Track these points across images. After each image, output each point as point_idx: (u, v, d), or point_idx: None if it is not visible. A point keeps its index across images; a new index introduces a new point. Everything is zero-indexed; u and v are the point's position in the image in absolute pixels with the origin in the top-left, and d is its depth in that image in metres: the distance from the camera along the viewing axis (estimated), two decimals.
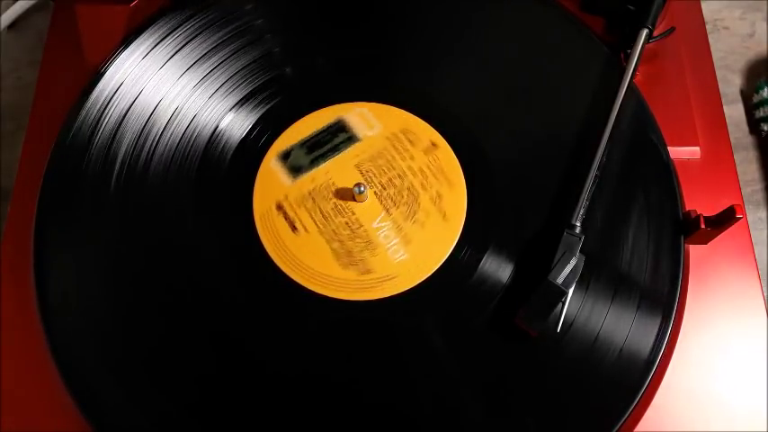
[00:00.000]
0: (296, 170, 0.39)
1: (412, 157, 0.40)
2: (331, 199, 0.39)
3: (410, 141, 0.40)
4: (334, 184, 0.39)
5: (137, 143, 0.40)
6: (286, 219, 0.38)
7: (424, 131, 0.41)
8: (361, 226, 0.38)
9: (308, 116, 0.41)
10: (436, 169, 0.39)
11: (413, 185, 0.39)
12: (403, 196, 0.39)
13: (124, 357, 0.35)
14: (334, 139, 0.40)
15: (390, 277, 0.37)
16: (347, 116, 0.41)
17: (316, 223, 0.38)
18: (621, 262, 0.37)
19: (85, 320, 0.36)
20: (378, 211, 0.39)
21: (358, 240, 0.38)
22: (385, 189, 0.39)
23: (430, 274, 0.37)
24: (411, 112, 0.41)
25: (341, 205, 0.39)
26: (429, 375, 0.35)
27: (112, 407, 0.34)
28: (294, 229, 0.38)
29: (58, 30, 0.46)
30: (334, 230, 0.38)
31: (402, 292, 0.37)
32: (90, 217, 0.38)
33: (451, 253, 0.38)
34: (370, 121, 0.40)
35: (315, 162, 0.40)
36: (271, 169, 0.40)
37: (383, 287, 0.37)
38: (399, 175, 0.39)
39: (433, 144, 0.40)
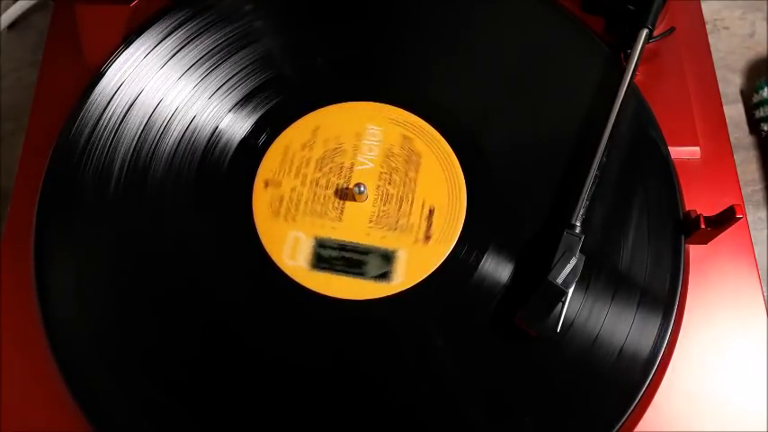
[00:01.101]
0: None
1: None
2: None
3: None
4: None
5: (137, 143, 0.40)
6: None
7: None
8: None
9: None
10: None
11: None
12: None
13: (124, 357, 0.35)
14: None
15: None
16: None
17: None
18: (621, 262, 0.37)
19: (85, 320, 0.36)
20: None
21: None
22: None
23: (430, 273, 0.37)
24: (411, 111, 0.41)
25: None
26: (428, 375, 0.35)
27: (112, 407, 0.34)
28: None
29: (57, 30, 0.46)
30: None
31: (401, 292, 0.37)
32: (90, 217, 0.38)
33: (451, 253, 0.38)
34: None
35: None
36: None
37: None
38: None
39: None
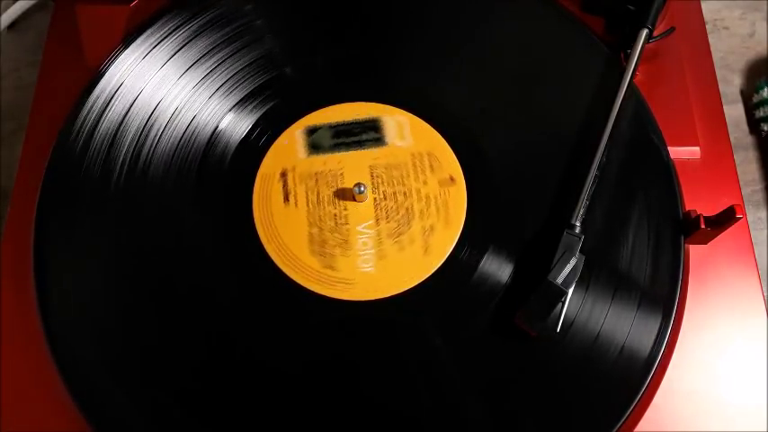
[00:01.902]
0: (315, 147, 0.40)
1: (425, 182, 0.39)
2: (332, 188, 0.39)
3: (431, 167, 0.40)
4: (342, 174, 0.39)
5: (137, 143, 0.40)
6: (284, 187, 0.39)
7: (449, 162, 0.40)
8: (347, 224, 0.38)
9: (348, 104, 0.41)
10: (442, 203, 0.39)
11: (412, 208, 0.39)
12: (398, 213, 0.39)
13: (124, 357, 0.35)
14: (363, 134, 0.40)
15: (347, 282, 0.37)
16: (385, 118, 0.41)
17: (308, 202, 0.38)
18: (621, 262, 0.37)
19: (85, 320, 0.36)
20: (368, 217, 0.39)
21: (336, 235, 0.38)
22: (385, 199, 0.39)
23: (430, 273, 0.37)
24: (410, 111, 0.41)
25: (337, 198, 0.39)
26: (429, 375, 0.35)
27: (112, 407, 0.34)
28: (286, 199, 0.38)
29: (58, 30, 0.46)
30: (320, 216, 0.38)
31: (402, 292, 0.37)
32: (90, 217, 0.38)
33: (451, 253, 0.38)
34: (404, 132, 0.40)
35: (335, 147, 0.40)
36: (294, 137, 0.40)
37: (336, 288, 0.37)
38: (405, 193, 0.39)
39: (452, 179, 0.39)
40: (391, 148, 0.40)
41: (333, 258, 0.37)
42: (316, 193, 0.39)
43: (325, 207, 0.38)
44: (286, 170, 0.39)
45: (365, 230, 0.38)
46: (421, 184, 0.39)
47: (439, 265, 0.37)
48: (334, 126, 0.40)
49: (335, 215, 0.38)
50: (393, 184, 0.39)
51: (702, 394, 0.37)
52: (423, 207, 0.39)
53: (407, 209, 0.39)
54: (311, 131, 0.40)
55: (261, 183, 0.39)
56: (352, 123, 0.41)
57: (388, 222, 0.38)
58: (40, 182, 0.39)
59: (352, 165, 0.40)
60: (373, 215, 0.39)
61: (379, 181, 0.39)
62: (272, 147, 0.40)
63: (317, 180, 0.39)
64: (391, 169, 0.40)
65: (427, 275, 0.37)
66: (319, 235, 0.38)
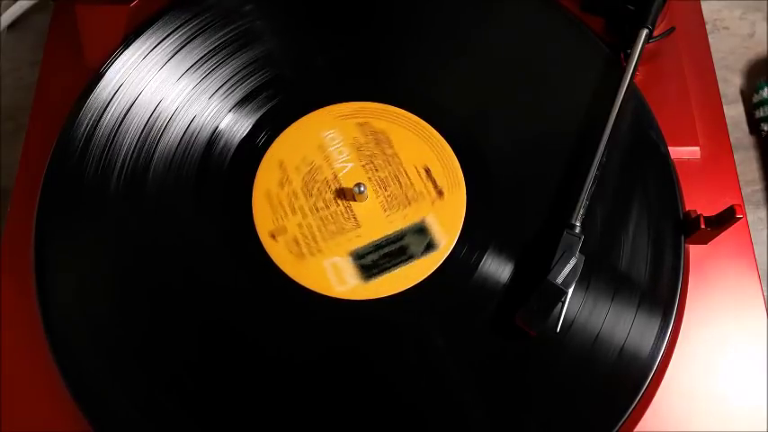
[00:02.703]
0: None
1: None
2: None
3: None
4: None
5: (137, 143, 0.40)
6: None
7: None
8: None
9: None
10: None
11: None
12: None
13: (124, 357, 0.35)
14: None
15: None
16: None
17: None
18: (621, 262, 0.37)
19: (86, 320, 0.36)
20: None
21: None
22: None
23: (430, 273, 0.37)
24: (410, 111, 0.41)
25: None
26: (429, 375, 0.35)
27: (112, 407, 0.34)
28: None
29: (58, 30, 0.46)
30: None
31: (401, 291, 0.37)
32: (90, 217, 0.38)
33: (451, 253, 0.38)
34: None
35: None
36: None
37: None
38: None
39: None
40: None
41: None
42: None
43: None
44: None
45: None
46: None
47: (439, 264, 0.37)
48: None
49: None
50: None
51: (702, 394, 0.37)
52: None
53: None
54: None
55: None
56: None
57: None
58: (40, 182, 0.39)
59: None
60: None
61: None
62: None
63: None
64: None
65: (428, 274, 0.37)
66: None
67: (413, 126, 0.41)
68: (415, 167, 0.40)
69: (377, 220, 0.39)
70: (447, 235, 0.38)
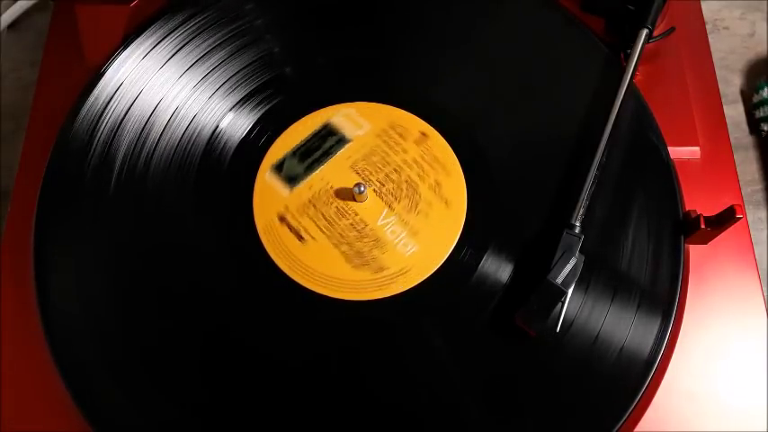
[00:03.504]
0: (292, 180, 0.39)
1: (405, 150, 0.40)
2: (332, 203, 0.39)
3: (400, 135, 0.40)
4: (332, 187, 0.39)
5: (137, 143, 0.40)
6: (290, 229, 0.38)
7: (413, 123, 0.41)
8: (367, 225, 0.38)
9: (294, 124, 0.41)
10: (431, 158, 0.39)
11: (410, 178, 0.39)
12: (402, 189, 0.39)
13: (124, 357, 0.35)
14: (325, 143, 0.40)
15: (404, 271, 0.37)
16: (334, 119, 0.41)
17: (321, 229, 0.38)
18: (621, 262, 0.37)
19: (85, 320, 0.36)
20: (380, 208, 0.39)
21: (366, 240, 0.38)
22: (384, 185, 0.39)
23: (431, 273, 0.37)
24: (411, 111, 0.41)
25: (343, 207, 0.39)
26: (429, 375, 0.35)
27: (112, 407, 0.34)
28: (300, 238, 0.38)
29: (58, 30, 0.46)
30: (340, 234, 0.38)
31: (401, 292, 0.37)
32: (90, 217, 0.38)
33: (451, 253, 0.38)
34: (358, 120, 0.41)
35: (309, 169, 0.40)
36: (267, 182, 0.39)
37: (398, 282, 0.37)
38: (395, 170, 0.40)
39: (423, 134, 0.40)
40: (356, 140, 0.40)
41: (377, 260, 0.37)
42: (321, 217, 0.39)
43: (338, 223, 0.38)
44: (282, 213, 0.39)
45: (386, 220, 0.38)
46: (402, 153, 0.40)
47: (439, 264, 0.37)
48: (296, 150, 0.40)
49: (352, 224, 0.38)
50: (380, 168, 0.40)
51: (702, 394, 0.37)
52: (418, 171, 0.39)
53: (407, 181, 0.39)
54: (279, 167, 0.40)
55: (266, 236, 0.38)
56: (309, 139, 0.40)
57: (400, 202, 0.39)
58: (40, 182, 0.39)
59: (335, 174, 0.40)
60: (383, 204, 0.39)
61: (367, 173, 0.40)
62: (255, 196, 0.39)
63: (314, 206, 0.39)
64: (370, 157, 0.40)
65: (432, 271, 0.37)
66: (351, 249, 0.38)
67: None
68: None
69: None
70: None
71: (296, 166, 0.40)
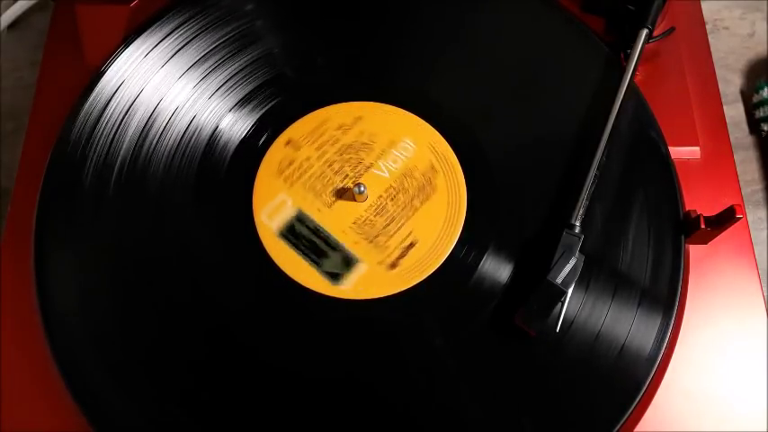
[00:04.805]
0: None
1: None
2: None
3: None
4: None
5: (137, 143, 0.40)
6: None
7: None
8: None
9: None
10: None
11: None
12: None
13: (124, 357, 0.35)
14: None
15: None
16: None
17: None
18: (621, 262, 0.37)
19: (86, 320, 0.36)
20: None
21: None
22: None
23: (430, 273, 0.37)
24: (410, 111, 0.41)
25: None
26: (428, 375, 0.35)
27: (112, 407, 0.34)
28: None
29: (58, 30, 0.46)
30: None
31: (402, 291, 0.37)
32: (90, 217, 0.38)
33: (451, 253, 0.38)
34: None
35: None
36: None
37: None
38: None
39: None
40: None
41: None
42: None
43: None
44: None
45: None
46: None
47: (439, 264, 0.37)
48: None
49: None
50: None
51: (702, 394, 0.37)
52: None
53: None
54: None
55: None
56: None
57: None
58: (40, 182, 0.39)
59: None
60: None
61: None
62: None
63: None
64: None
65: (428, 274, 0.37)
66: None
67: (451, 183, 0.40)
68: (409, 234, 0.38)
69: (341, 221, 0.39)
70: (354, 289, 0.37)
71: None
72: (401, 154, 0.40)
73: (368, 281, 0.37)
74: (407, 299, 0.37)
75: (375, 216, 0.39)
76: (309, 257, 0.37)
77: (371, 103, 0.41)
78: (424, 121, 0.41)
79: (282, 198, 0.39)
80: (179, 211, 0.39)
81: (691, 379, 0.37)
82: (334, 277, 0.37)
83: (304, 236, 0.38)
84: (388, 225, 0.39)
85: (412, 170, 0.40)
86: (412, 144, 0.40)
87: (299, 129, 0.41)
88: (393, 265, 0.37)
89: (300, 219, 0.38)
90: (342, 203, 0.39)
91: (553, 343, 0.35)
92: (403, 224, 0.39)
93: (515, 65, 0.43)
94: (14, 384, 0.36)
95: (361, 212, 0.39)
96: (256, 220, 0.38)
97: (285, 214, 0.38)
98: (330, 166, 0.40)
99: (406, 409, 0.35)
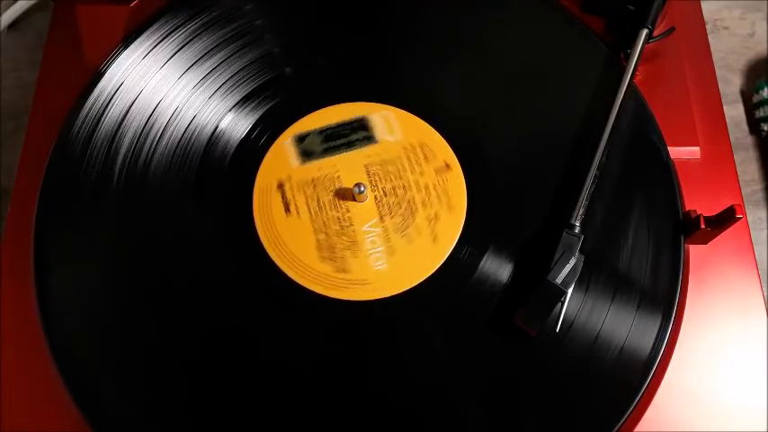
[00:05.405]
0: (307, 154, 0.40)
1: (422, 173, 0.39)
2: (331, 191, 0.39)
3: (425, 157, 0.40)
4: (339, 177, 0.39)
5: (137, 143, 0.40)
6: (283, 198, 0.38)
7: (442, 149, 0.40)
8: (351, 225, 0.38)
9: (333, 107, 0.41)
10: (441, 191, 0.39)
11: (414, 200, 0.39)
12: (401, 207, 0.39)
13: (124, 357, 0.35)
14: (353, 134, 0.40)
15: (363, 282, 0.37)
16: (371, 116, 0.41)
17: (309, 210, 0.38)
18: (621, 262, 0.37)
19: (85, 320, 0.36)
20: (372, 215, 0.39)
21: (344, 238, 0.38)
22: (386, 196, 0.39)
23: (430, 273, 0.37)
24: (411, 111, 0.41)
25: (339, 200, 0.39)
26: (429, 375, 0.35)
27: (112, 407, 0.34)
28: (287, 210, 0.38)
29: (58, 30, 0.46)
30: (324, 222, 0.38)
31: (402, 292, 0.37)
32: (90, 217, 0.38)
33: (451, 253, 0.38)
34: (393, 126, 0.40)
35: (327, 152, 0.40)
36: (283, 148, 0.40)
37: (352, 290, 0.37)
38: (404, 186, 0.39)
39: (447, 165, 0.39)
40: (383, 144, 0.40)
41: (344, 261, 0.37)
42: (316, 199, 0.39)
43: (327, 212, 0.38)
44: (282, 181, 0.39)
45: (371, 229, 0.38)
46: (418, 175, 0.39)
47: (440, 264, 0.37)
48: (323, 130, 0.40)
49: (339, 218, 0.38)
50: (391, 179, 0.39)
51: (702, 394, 0.37)
52: (423, 197, 0.39)
53: (409, 201, 0.39)
54: (301, 139, 0.40)
55: (259, 193, 0.39)
56: (340, 125, 0.41)
57: (393, 218, 0.38)
58: (40, 182, 0.39)
59: (347, 166, 0.40)
60: (376, 213, 0.39)
61: (377, 178, 0.39)
62: (265, 158, 0.40)
63: (314, 186, 0.39)
64: (387, 165, 0.40)
65: (433, 271, 0.37)
66: (326, 240, 0.38)
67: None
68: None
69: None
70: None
71: (317, 144, 0.40)
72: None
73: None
74: (407, 299, 0.37)
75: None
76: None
77: (371, 103, 0.41)
78: (424, 122, 0.41)
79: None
80: (179, 211, 0.39)
81: (691, 379, 0.37)
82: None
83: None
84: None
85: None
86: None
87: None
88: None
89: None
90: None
91: (553, 343, 0.35)
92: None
93: (515, 65, 0.43)
94: (14, 384, 0.36)
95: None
96: (256, 220, 0.38)
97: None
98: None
99: (406, 409, 0.35)
